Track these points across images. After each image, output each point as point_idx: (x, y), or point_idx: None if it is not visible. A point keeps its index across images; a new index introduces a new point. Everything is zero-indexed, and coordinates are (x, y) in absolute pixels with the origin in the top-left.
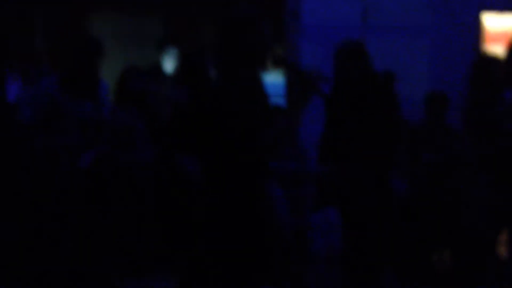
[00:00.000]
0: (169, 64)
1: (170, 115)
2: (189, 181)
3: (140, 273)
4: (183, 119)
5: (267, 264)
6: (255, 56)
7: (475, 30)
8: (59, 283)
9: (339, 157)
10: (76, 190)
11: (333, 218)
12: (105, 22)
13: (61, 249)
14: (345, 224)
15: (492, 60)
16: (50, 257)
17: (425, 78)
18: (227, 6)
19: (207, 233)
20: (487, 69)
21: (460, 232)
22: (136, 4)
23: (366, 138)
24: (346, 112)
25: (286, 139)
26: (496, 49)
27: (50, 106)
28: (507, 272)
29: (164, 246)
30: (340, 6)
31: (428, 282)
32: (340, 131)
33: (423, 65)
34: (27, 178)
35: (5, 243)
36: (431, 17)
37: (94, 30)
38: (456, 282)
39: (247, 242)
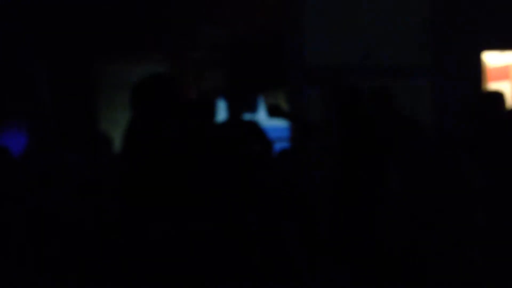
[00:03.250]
0: None
1: None
2: None
3: None
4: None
5: None
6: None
7: (477, 68)
8: None
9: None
10: None
11: None
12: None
13: None
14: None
15: (497, 95)
16: None
17: (426, 118)
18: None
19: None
20: (493, 104)
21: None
22: (142, 50)
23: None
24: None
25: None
26: (499, 86)
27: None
28: None
29: None
30: (342, 47)
31: None
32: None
33: (424, 104)
34: None
35: None
36: (431, 57)
37: (101, 79)
38: None
39: None
